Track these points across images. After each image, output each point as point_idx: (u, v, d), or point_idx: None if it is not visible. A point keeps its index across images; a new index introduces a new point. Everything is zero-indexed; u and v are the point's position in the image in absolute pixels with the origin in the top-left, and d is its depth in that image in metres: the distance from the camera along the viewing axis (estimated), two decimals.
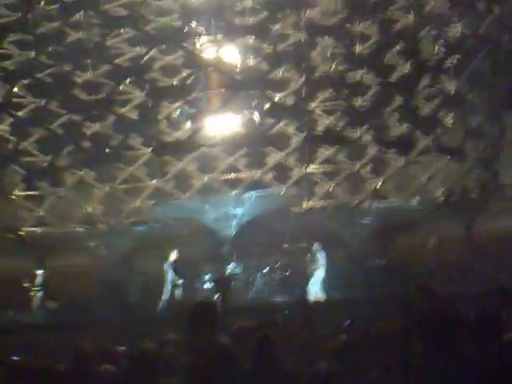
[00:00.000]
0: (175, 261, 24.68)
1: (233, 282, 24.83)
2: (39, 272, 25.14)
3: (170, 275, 24.51)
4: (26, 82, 28.67)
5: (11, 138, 28.08)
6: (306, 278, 24.62)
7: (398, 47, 27.67)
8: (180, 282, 24.52)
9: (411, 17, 27.79)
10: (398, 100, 27.33)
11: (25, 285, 24.90)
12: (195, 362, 13.26)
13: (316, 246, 24.92)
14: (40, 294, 25.03)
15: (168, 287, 24.40)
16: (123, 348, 15.61)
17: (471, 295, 18.54)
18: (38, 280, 25.08)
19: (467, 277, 22.68)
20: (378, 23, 27.96)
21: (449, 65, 27.40)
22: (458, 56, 27.43)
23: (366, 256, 25.40)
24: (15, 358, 15.89)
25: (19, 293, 24.73)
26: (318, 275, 24.66)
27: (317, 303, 22.72)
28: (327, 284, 24.32)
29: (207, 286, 24.73)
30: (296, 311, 18.27)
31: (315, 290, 24.42)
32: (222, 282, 24.53)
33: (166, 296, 24.32)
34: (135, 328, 19.43)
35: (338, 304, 21.38)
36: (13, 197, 27.25)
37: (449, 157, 26.95)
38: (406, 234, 25.74)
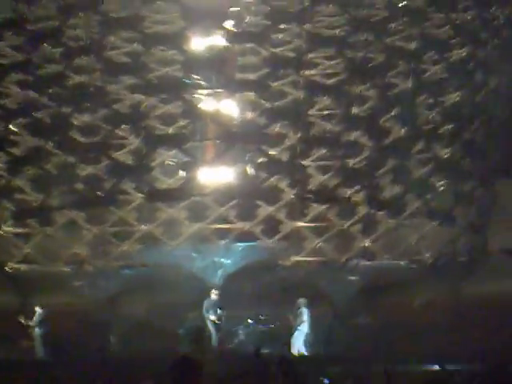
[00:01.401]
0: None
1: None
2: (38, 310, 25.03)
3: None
4: (24, 120, 28.87)
5: (4, 174, 28.20)
6: (290, 332, 24.51)
7: (394, 111, 28.00)
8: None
9: (409, 82, 28.19)
10: (391, 162, 27.54)
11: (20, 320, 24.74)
12: None
13: (301, 300, 24.87)
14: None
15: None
16: None
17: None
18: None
19: (452, 340, 22.61)
20: (376, 86, 28.35)
21: (443, 131, 27.72)
22: (452, 123, 27.77)
23: (350, 313, 25.33)
24: None
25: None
26: (302, 330, 24.56)
27: (298, 358, 22.65)
28: (310, 340, 24.20)
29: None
30: (278, 365, 18.24)
31: (298, 345, 24.33)
32: (201, 332, 24.44)
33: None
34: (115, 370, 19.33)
35: (318, 361, 21.29)
36: (1, 232, 27.23)
37: (439, 221, 27.09)
38: (392, 293, 25.73)
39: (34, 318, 24.68)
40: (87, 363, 22.05)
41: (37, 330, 24.74)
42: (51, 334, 24.38)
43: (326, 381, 17.96)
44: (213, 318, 24.42)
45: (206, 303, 24.74)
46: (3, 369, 19.95)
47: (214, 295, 24.94)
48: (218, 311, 24.34)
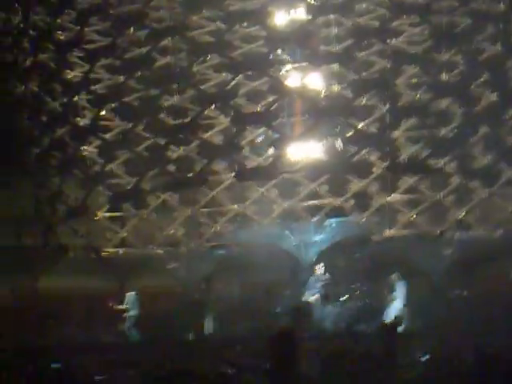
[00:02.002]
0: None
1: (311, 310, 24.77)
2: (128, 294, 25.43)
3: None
4: (113, 105, 29.32)
5: (98, 159, 28.76)
6: (384, 307, 24.38)
7: (484, 77, 27.35)
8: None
9: (498, 47, 27.49)
10: (483, 130, 26.96)
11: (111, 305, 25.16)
12: None
13: (395, 275, 24.68)
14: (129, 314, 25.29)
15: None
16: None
17: None
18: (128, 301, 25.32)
19: None
20: (464, 52, 27.73)
21: None
22: None
23: (446, 287, 25.05)
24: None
25: (101, 312, 25.08)
26: (396, 305, 24.38)
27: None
28: (406, 315, 24.00)
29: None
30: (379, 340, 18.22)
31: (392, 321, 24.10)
32: (300, 310, 24.50)
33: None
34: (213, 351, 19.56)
35: (415, 336, 21.09)
36: (97, 217, 27.82)
37: None
38: (488, 266, 25.32)
39: (125, 302, 24.99)
40: (182, 344, 22.58)
41: (128, 314, 25.00)
42: (143, 318, 24.70)
43: (424, 355, 17.86)
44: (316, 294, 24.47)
45: (311, 279, 24.72)
46: (98, 352, 20.37)
47: (319, 270, 24.84)
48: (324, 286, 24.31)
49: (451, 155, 26.82)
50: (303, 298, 24.90)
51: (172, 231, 27.74)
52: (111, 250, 27.45)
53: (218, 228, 27.70)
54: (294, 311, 24.56)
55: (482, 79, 27.51)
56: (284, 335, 15.43)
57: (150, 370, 16.38)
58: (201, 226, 27.93)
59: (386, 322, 23.68)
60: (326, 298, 24.23)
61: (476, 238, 26.34)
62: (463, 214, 26.88)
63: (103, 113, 29.28)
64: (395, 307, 24.24)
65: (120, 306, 24.86)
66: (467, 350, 17.54)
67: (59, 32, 30.04)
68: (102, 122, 29.28)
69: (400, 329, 23.17)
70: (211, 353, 19.26)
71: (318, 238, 26.62)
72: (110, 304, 24.81)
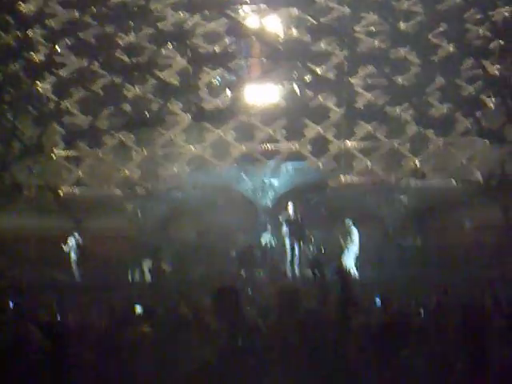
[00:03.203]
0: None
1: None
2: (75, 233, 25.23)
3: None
4: (69, 41, 28.80)
5: (53, 97, 28.30)
6: (339, 253, 24.68)
7: (442, 27, 27.54)
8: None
9: None
10: (440, 80, 27.22)
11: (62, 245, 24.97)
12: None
13: (349, 220, 24.96)
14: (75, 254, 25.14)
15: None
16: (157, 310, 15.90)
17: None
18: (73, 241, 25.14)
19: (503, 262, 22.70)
20: (423, 1, 27.84)
21: (493, 48, 27.23)
22: (502, 40, 27.25)
23: (400, 234, 25.48)
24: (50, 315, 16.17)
25: (55, 251, 24.90)
26: (350, 252, 24.70)
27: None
28: (359, 261, 24.38)
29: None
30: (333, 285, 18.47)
31: (347, 266, 24.43)
32: (255, 253, 24.76)
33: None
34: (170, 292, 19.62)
35: (368, 282, 21.44)
36: (52, 156, 27.49)
37: (489, 139, 26.89)
38: (442, 214, 25.79)
39: (69, 242, 24.77)
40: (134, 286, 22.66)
41: (72, 255, 24.87)
42: (88, 259, 24.61)
43: (377, 300, 18.07)
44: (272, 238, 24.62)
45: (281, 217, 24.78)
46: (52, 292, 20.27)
47: (290, 209, 24.87)
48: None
49: (408, 103, 27.01)
50: (258, 242, 25.06)
51: (128, 172, 27.56)
52: (66, 189, 27.19)
53: (175, 170, 27.60)
54: (248, 254, 24.78)
55: (440, 29, 27.68)
56: (228, 290, 15.49)
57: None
58: (157, 167, 27.77)
59: (339, 267, 23.98)
60: (289, 240, 24.40)
61: (431, 187, 26.74)
62: (418, 162, 27.25)
63: (58, 49, 28.68)
64: (349, 253, 24.55)
65: (65, 247, 24.62)
66: (418, 296, 17.88)
67: None
68: (57, 58, 28.71)
69: (354, 275, 23.58)
70: (169, 295, 19.30)
71: (274, 181, 26.71)
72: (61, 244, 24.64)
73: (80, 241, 24.75)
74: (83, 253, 24.80)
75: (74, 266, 24.78)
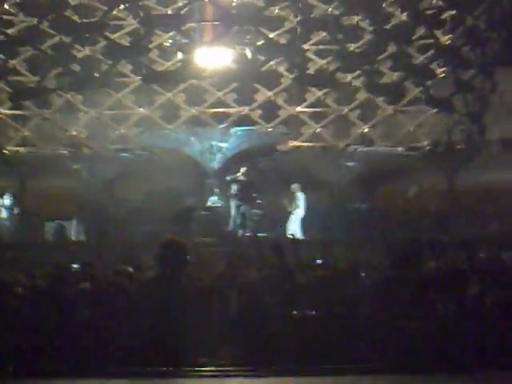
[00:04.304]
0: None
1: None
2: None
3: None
4: None
5: (0, 55, 27.82)
6: (285, 217, 24.79)
7: None
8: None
9: None
10: (392, 48, 27.23)
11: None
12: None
13: (296, 185, 25.06)
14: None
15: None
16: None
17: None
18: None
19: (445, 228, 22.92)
20: None
21: (445, 17, 27.31)
22: (455, 9, 27.32)
23: (346, 199, 25.60)
24: None
25: None
26: (297, 215, 24.83)
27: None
28: (305, 224, 24.49)
29: None
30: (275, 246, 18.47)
31: (292, 229, 24.56)
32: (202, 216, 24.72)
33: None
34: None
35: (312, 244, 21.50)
36: None
37: (437, 108, 27.04)
38: (388, 181, 25.95)
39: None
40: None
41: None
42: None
43: (318, 260, 18.02)
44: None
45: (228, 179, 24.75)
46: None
47: (238, 172, 24.84)
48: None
49: (359, 70, 26.99)
50: (206, 204, 25.02)
51: (75, 132, 27.28)
52: (12, 148, 26.87)
53: (123, 131, 27.37)
54: (197, 217, 24.73)
55: None
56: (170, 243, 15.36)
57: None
58: (105, 128, 27.51)
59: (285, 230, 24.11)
60: (235, 203, 24.40)
61: (378, 153, 26.86)
62: (367, 128, 27.33)
63: (6, 6, 28.21)
64: (296, 217, 24.68)
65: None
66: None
67: None
68: (5, 17, 28.22)
69: (299, 237, 23.69)
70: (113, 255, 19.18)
71: (223, 145, 26.60)
72: None
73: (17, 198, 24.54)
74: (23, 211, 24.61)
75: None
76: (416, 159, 26.41)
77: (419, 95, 27.13)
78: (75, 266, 16.01)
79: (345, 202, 25.44)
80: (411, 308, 13.40)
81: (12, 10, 28.23)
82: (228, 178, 25.13)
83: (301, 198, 24.86)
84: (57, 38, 27.86)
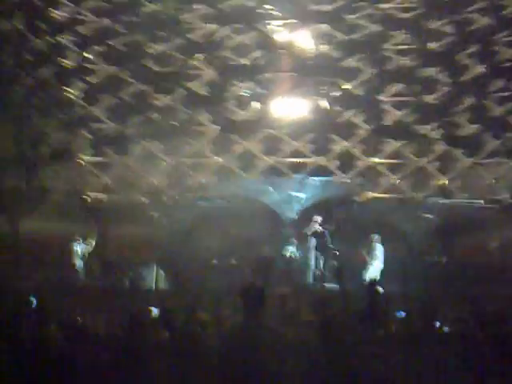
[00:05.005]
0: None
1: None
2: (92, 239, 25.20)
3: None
4: (99, 48, 28.99)
5: (82, 103, 28.45)
6: (362, 267, 24.73)
7: (472, 48, 27.67)
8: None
9: (488, 19, 27.79)
10: (470, 100, 27.31)
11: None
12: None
13: (374, 235, 25.01)
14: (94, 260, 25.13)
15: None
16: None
17: None
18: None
19: None
20: (454, 22, 28.00)
21: None
22: None
23: (426, 252, 25.49)
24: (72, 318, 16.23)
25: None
26: (375, 266, 24.74)
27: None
28: (383, 276, 24.39)
29: None
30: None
31: (371, 279, 24.42)
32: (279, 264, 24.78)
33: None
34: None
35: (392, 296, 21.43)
36: (80, 162, 27.62)
37: None
38: (468, 234, 25.80)
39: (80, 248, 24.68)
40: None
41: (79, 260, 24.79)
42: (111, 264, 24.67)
43: (401, 313, 18.03)
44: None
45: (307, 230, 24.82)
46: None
47: (316, 222, 24.90)
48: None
49: (436, 122, 27.09)
50: (283, 253, 25.11)
51: (155, 180, 27.67)
52: (93, 195, 27.30)
53: (202, 179, 27.71)
54: (267, 266, 24.79)
55: (470, 50, 27.80)
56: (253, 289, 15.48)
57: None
58: (184, 176, 27.87)
59: (364, 281, 24.03)
60: (313, 253, 24.43)
61: (457, 206, 26.79)
62: (446, 181, 27.33)
63: (88, 55, 28.89)
64: (374, 268, 24.60)
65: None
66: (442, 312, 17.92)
67: None
68: (87, 65, 28.89)
69: (378, 289, 23.56)
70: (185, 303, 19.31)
71: (300, 195, 26.76)
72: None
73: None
74: (104, 259, 24.90)
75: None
76: (496, 212, 26.30)
77: (498, 147, 27.10)
78: (154, 310, 16.18)
79: (423, 254, 25.33)
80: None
81: (93, 59, 28.84)
82: (305, 229, 25.20)
83: (379, 248, 24.80)
84: (137, 87, 28.43)
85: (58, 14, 29.36)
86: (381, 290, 22.31)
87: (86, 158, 27.81)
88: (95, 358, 14.26)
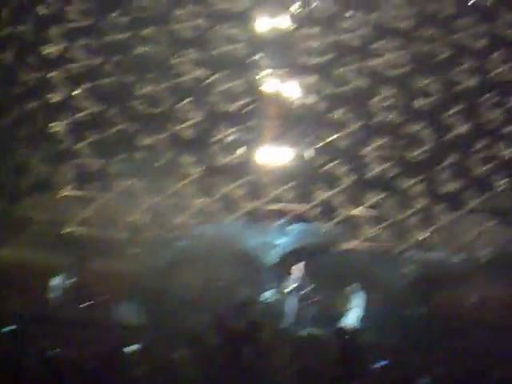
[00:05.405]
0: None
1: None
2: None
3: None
4: (87, 86, 29.14)
5: (66, 138, 28.47)
6: (341, 315, 24.62)
7: (458, 106, 28.08)
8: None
9: (475, 80, 28.29)
10: (452, 158, 27.62)
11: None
12: None
13: (354, 285, 24.94)
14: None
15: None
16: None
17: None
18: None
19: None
20: (441, 81, 28.47)
21: (507, 131, 27.77)
22: None
23: (402, 304, 25.43)
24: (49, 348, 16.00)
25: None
26: (352, 315, 24.63)
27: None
28: (360, 325, 24.28)
29: None
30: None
31: (347, 329, 24.26)
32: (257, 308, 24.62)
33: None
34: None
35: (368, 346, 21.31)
36: (62, 195, 27.54)
37: (498, 219, 27.18)
38: (446, 288, 25.82)
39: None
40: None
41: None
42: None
43: (376, 365, 17.87)
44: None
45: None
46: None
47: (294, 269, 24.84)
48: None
49: (419, 177, 27.33)
50: (261, 298, 24.95)
51: (135, 217, 27.59)
52: (73, 228, 27.16)
53: (182, 220, 27.67)
54: (247, 309, 24.60)
55: (455, 109, 28.21)
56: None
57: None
58: (164, 215, 27.82)
59: (341, 329, 23.82)
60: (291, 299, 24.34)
61: (436, 260, 26.88)
62: (425, 235, 27.46)
63: (76, 92, 29.01)
64: (351, 317, 24.48)
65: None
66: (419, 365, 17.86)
67: (40, 6, 29.74)
68: (74, 102, 29.00)
69: (354, 338, 23.40)
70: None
71: (279, 241, 26.77)
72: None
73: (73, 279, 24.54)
74: (79, 291, 24.62)
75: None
76: (474, 268, 26.40)
77: (479, 205, 27.33)
78: (128, 349, 15.96)
79: (401, 306, 25.26)
80: None
81: (81, 96, 28.95)
82: (284, 276, 25.14)
83: (359, 297, 24.70)
84: (122, 126, 28.53)
85: (47, 50, 29.54)
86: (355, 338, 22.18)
87: (68, 192, 27.72)
88: None
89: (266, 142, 28.79)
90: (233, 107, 29.23)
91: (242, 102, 29.16)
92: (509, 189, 27.17)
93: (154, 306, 24.31)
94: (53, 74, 29.28)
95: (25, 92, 29.16)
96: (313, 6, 29.65)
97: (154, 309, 24.20)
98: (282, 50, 29.21)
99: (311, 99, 29.16)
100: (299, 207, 27.70)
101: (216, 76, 29.32)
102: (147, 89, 29.31)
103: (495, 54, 28.38)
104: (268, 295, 25.14)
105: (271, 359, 18.00)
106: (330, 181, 28.02)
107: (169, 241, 27.13)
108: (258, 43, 29.27)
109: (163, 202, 27.78)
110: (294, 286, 25.03)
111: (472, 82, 28.28)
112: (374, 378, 17.34)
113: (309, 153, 28.37)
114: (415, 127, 28.28)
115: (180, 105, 29.01)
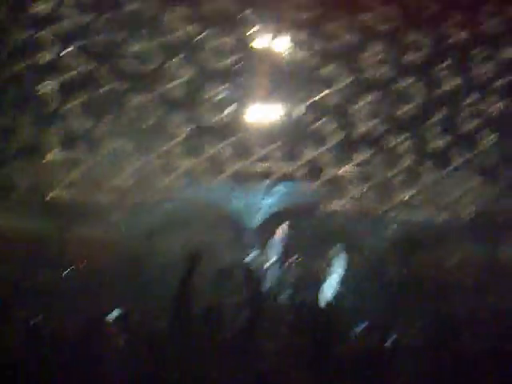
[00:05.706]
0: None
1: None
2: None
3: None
4: (76, 45, 28.94)
5: (54, 99, 28.36)
6: (323, 277, 24.60)
7: (447, 62, 27.58)
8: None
9: (464, 34, 27.73)
10: (441, 114, 27.22)
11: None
12: None
13: (338, 247, 24.85)
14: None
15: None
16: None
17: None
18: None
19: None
20: (431, 36, 27.94)
21: (497, 86, 27.25)
22: (508, 78, 27.26)
23: (383, 265, 25.39)
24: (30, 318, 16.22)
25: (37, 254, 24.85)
26: (335, 278, 24.59)
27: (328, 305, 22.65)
28: (342, 288, 24.27)
29: None
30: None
31: (328, 292, 24.31)
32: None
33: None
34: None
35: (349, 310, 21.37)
36: (47, 158, 27.57)
37: (483, 177, 26.87)
38: (427, 249, 25.69)
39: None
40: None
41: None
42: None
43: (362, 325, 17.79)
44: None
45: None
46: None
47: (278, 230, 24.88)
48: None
49: (406, 135, 27.02)
50: (245, 261, 24.96)
51: (121, 180, 27.60)
52: (57, 193, 27.25)
53: (168, 181, 27.65)
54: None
55: (446, 63, 27.73)
56: None
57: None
58: (151, 177, 27.81)
59: (322, 293, 23.90)
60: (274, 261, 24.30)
61: (420, 220, 26.70)
62: (409, 194, 27.24)
63: (65, 51, 28.85)
64: (333, 279, 24.45)
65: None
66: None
67: None
68: (63, 61, 28.84)
69: (336, 301, 23.46)
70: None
71: (265, 202, 26.69)
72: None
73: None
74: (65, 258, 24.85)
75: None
76: (456, 229, 26.21)
77: (465, 163, 27.00)
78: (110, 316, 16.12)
79: (380, 267, 25.20)
80: None
81: (71, 55, 28.78)
82: (267, 237, 25.11)
83: (342, 260, 24.62)
84: (111, 85, 28.37)
85: (36, 8, 29.31)
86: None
87: (53, 155, 27.74)
88: (51, 358, 14.32)
89: (255, 100, 28.52)
90: (222, 65, 28.91)
91: (232, 59, 28.83)
92: (495, 146, 26.73)
93: (136, 271, 24.49)
94: (41, 32, 29.06)
95: (12, 52, 29.00)
96: None
97: (136, 275, 24.37)
98: (272, 5, 28.73)
99: (302, 55, 28.76)
100: (286, 167, 27.51)
101: (206, 32, 28.95)
102: (137, 46, 29.05)
103: (486, 7, 27.67)
104: (251, 257, 25.15)
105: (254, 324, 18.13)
106: (318, 139, 27.76)
107: (154, 204, 27.13)
108: None
109: (149, 163, 27.70)
110: (278, 247, 25.00)
111: (461, 35, 27.66)
112: (354, 341, 17.42)
113: (298, 110, 28.07)
114: (405, 82, 27.80)
115: (169, 63, 28.70)
